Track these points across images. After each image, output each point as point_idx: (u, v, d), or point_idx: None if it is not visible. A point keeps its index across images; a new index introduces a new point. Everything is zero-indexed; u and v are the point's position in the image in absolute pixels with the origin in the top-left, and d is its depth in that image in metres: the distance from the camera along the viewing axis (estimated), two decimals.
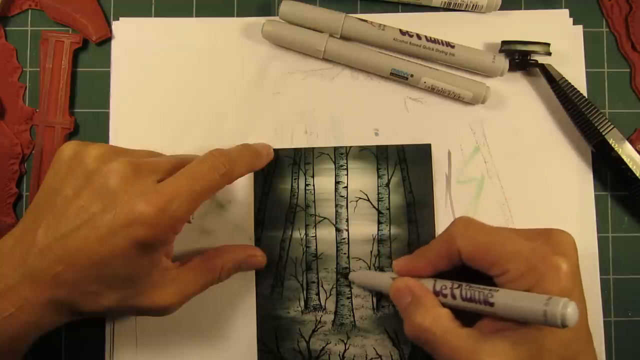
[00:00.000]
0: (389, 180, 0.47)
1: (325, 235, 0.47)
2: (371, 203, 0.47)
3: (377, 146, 0.47)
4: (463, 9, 0.48)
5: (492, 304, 0.36)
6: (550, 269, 0.35)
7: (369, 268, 0.47)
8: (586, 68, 0.48)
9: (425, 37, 0.47)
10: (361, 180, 0.47)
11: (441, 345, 0.37)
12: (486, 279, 0.38)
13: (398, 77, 0.47)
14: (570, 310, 0.33)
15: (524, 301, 0.35)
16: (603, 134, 0.45)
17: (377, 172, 0.47)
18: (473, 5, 0.48)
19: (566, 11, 0.49)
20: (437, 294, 0.39)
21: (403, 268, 0.42)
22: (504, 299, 0.36)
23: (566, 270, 0.35)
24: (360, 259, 0.47)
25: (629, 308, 0.47)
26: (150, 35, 0.48)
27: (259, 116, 0.48)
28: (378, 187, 0.47)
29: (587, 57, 0.49)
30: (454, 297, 0.38)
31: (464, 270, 0.39)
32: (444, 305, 0.39)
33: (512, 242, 0.37)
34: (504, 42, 0.47)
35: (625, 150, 0.45)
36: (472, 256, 0.38)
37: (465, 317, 0.38)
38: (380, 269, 0.47)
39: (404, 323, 0.40)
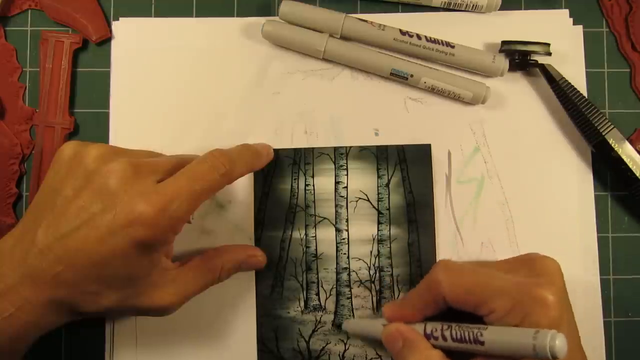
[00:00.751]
0: (389, 181, 0.47)
1: (325, 235, 0.47)
2: (371, 203, 0.47)
3: (377, 146, 0.47)
4: (463, 9, 0.48)
5: (482, 343, 0.36)
6: (536, 302, 0.36)
7: (369, 269, 0.47)
8: (586, 68, 0.48)
9: (425, 37, 0.47)
10: (361, 180, 0.47)
11: None
12: (476, 317, 0.38)
13: (398, 77, 0.47)
14: (559, 342, 0.33)
15: (512, 337, 0.35)
16: (603, 134, 0.45)
17: (377, 172, 0.47)
18: (473, 5, 0.48)
19: (566, 11, 0.49)
20: (428, 337, 0.39)
21: (392, 315, 0.42)
22: (494, 336, 0.36)
23: (552, 301, 0.36)
24: (360, 259, 0.47)
25: (629, 308, 0.47)
26: (150, 35, 0.48)
27: (259, 116, 0.48)
28: (378, 187, 0.47)
29: (587, 57, 0.49)
30: (444, 338, 0.38)
31: (453, 310, 0.39)
32: (436, 347, 0.39)
33: (494, 279, 0.37)
34: (504, 42, 0.47)
35: (625, 150, 0.45)
36: (457, 299, 0.38)
37: (458, 357, 0.38)
38: (381, 269, 0.47)
39: None
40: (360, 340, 0.46)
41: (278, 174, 0.47)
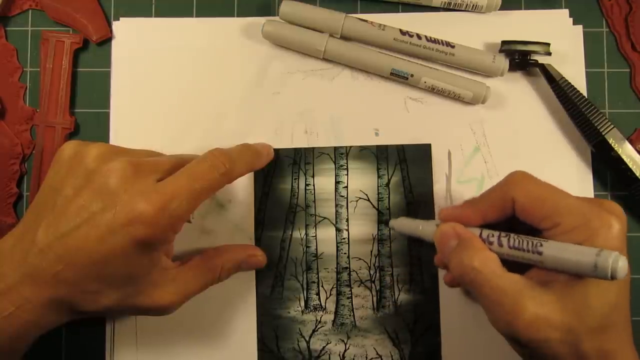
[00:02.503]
0: (389, 180, 0.47)
1: (325, 235, 0.47)
2: (371, 203, 0.47)
3: (377, 146, 0.48)
4: (463, 9, 0.48)
5: (540, 253, 0.36)
6: (603, 225, 0.36)
7: (369, 268, 0.47)
8: (586, 68, 0.48)
9: (425, 37, 0.47)
10: (361, 180, 0.47)
11: (487, 286, 0.36)
12: (534, 233, 0.38)
13: (398, 77, 0.47)
14: (622, 264, 0.33)
15: (574, 252, 0.35)
16: (603, 134, 0.45)
17: (377, 172, 0.47)
18: (473, 5, 0.48)
19: (566, 11, 0.49)
20: (483, 241, 0.39)
21: (450, 215, 0.41)
22: (554, 249, 0.36)
23: (618, 230, 0.36)
24: (360, 259, 0.47)
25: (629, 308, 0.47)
26: (150, 35, 0.48)
27: (259, 116, 0.48)
28: (378, 187, 0.47)
29: (587, 57, 0.49)
30: (500, 244, 0.38)
31: (507, 229, 0.39)
32: None
33: (567, 197, 0.37)
34: (504, 42, 0.47)
35: (625, 150, 0.45)
36: (526, 207, 0.38)
37: (512, 269, 0.38)
38: (381, 268, 0.47)
39: (449, 265, 0.39)
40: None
41: (278, 173, 0.47)
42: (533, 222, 0.38)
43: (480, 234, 0.39)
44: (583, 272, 0.34)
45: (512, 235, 0.38)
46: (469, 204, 0.41)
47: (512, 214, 0.39)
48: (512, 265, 0.37)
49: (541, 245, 0.36)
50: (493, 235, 0.39)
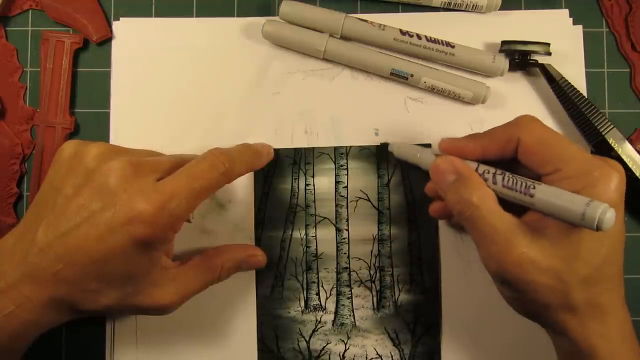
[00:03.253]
0: (389, 180, 0.47)
1: (325, 235, 0.47)
2: (371, 203, 0.47)
3: (377, 146, 0.47)
4: (463, 9, 0.48)
5: (532, 195, 0.36)
6: (603, 177, 0.36)
7: (369, 269, 0.47)
8: (586, 68, 0.48)
9: (425, 37, 0.47)
10: (361, 180, 0.47)
11: (482, 223, 0.37)
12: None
13: (398, 77, 0.47)
14: (609, 215, 0.33)
15: (565, 199, 0.35)
16: (603, 134, 0.45)
17: (377, 172, 0.47)
18: (473, 5, 0.48)
19: (566, 11, 0.49)
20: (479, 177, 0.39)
21: (449, 146, 0.41)
22: (545, 193, 0.36)
23: (618, 183, 0.36)
24: (360, 259, 0.47)
25: (629, 308, 0.47)
26: (150, 35, 0.48)
27: (259, 116, 0.48)
28: (378, 187, 0.47)
29: (587, 57, 0.49)
30: (495, 182, 0.38)
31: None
32: None
33: (572, 146, 0.37)
34: (504, 42, 0.47)
35: (625, 150, 0.45)
36: (532, 149, 0.38)
37: (510, 212, 0.38)
38: (381, 268, 0.47)
39: (446, 199, 0.39)
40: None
41: (278, 173, 0.47)
42: (535, 165, 0.38)
43: (477, 168, 0.39)
44: (571, 219, 0.35)
45: (507, 174, 0.38)
46: (471, 138, 0.41)
47: (512, 156, 0.39)
48: (511, 208, 0.38)
49: (534, 187, 0.37)
50: (489, 172, 0.39)
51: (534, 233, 0.36)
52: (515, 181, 0.37)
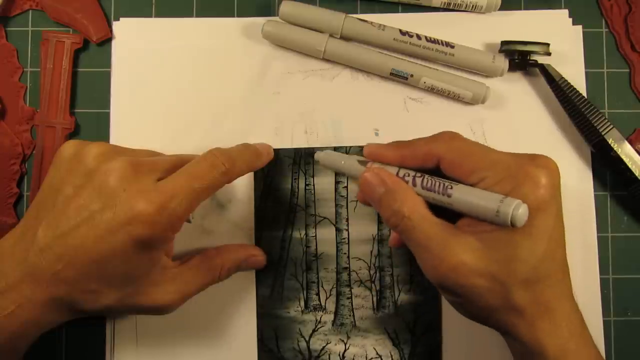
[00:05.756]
0: None
1: (325, 235, 0.47)
2: None
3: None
4: (463, 9, 0.48)
5: (449, 195, 0.37)
6: (528, 178, 0.36)
7: (369, 268, 0.47)
8: (586, 68, 0.48)
9: (425, 37, 0.47)
10: None
11: (415, 232, 0.37)
12: None
13: (398, 77, 0.47)
14: (522, 211, 0.34)
15: (480, 197, 0.36)
16: (602, 134, 0.45)
17: None
18: (473, 5, 0.48)
19: (566, 11, 0.49)
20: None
21: (373, 152, 0.41)
22: (462, 192, 0.36)
23: (544, 183, 0.36)
24: (360, 259, 0.47)
25: (628, 308, 0.47)
26: (150, 35, 0.48)
27: (259, 116, 0.48)
28: None
29: (587, 57, 0.49)
30: (414, 184, 0.38)
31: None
32: None
33: (493, 152, 0.38)
34: (503, 42, 0.47)
35: (625, 150, 0.45)
36: (453, 163, 0.38)
37: (444, 218, 0.38)
38: (381, 268, 0.47)
39: (379, 211, 0.39)
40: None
41: (278, 173, 0.47)
42: (461, 177, 0.38)
43: (397, 172, 0.40)
44: (487, 217, 0.35)
45: (426, 176, 0.38)
46: (393, 146, 0.41)
47: (433, 168, 0.39)
48: (444, 214, 0.38)
49: (451, 187, 0.37)
50: (409, 175, 0.39)
51: (469, 237, 0.36)
52: (433, 182, 0.38)
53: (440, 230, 0.37)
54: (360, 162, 0.42)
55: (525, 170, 0.36)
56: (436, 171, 0.39)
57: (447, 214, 0.38)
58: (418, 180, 0.38)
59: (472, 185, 0.37)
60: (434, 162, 0.39)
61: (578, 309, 0.38)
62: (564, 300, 0.37)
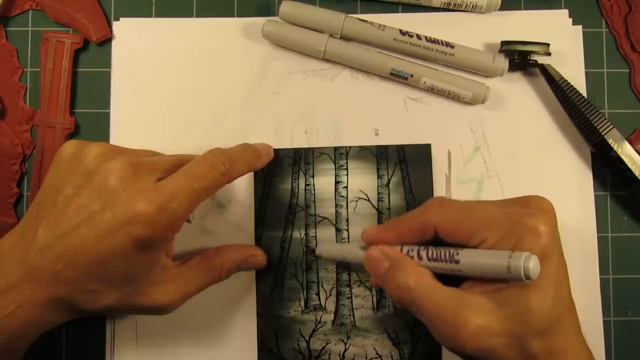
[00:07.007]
0: (389, 180, 0.47)
1: (325, 235, 0.47)
2: (371, 203, 0.47)
3: (377, 146, 0.48)
4: (463, 9, 0.48)
5: (457, 261, 0.36)
6: (527, 230, 0.35)
7: None
8: (586, 68, 0.49)
9: (425, 37, 0.47)
10: (361, 180, 0.47)
11: (426, 302, 0.37)
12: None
13: (398, 77, 0.47)
14: (533, 263, 0.33)
15: (487, 256, 0.35)
16: (602, 134, 0.45)
17: (377, 172, 0.47)
18: (473, 5, 0.48)
19: (566, 11, 0.49)
20: None
21: (372, 237, 0.41)
22: (469, 256, 0.36)
23: (544, 230, 0.35)
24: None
25: (628, 308, 0.47)
26: (150, 35, 0.48)
27: (259, 116, 0.48)
28: (378, 187, 0.47)
29: (587, 57, 0.49)
30: (420, 257, 0.38)
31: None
32: None
33: (487, 210, 0.37)
34: (503, 42, 0.47)
35: (625, 150, 0.45)
36: (450, 230, 0.38)
37: (448, 284, 0.38)
38: None
39: (386, 287, 0.39)
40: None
41: (278, 173, 0.47)
42: (461, 242, 0.37)
43: (401, 249, 0.40)
44: (499, 275, 0.35)
45: (430, 247, 0.38)
46: (388, 227, 0.41)
47: (435, 238, 0.39)
48: (449, 280, 0.37)
49: (457, 253, 0.37)
50: (412, 250, 0.39)
51: (480, 299, 0.36)
52: (439, 252, 0.37)
53: (450, 297, 0.36)
54: (362, 248, 0.42)
55: (522, 223, 0.36)
56: (437, 240, 0.39)
57: (448, 278, 0.38)
58: (423, 253, 0.38)
59: (475, 247, 0.37)
60: (431, 233, 0.38)
61: (585, 342, 0.38)
62: (577, 346, 0.37)
